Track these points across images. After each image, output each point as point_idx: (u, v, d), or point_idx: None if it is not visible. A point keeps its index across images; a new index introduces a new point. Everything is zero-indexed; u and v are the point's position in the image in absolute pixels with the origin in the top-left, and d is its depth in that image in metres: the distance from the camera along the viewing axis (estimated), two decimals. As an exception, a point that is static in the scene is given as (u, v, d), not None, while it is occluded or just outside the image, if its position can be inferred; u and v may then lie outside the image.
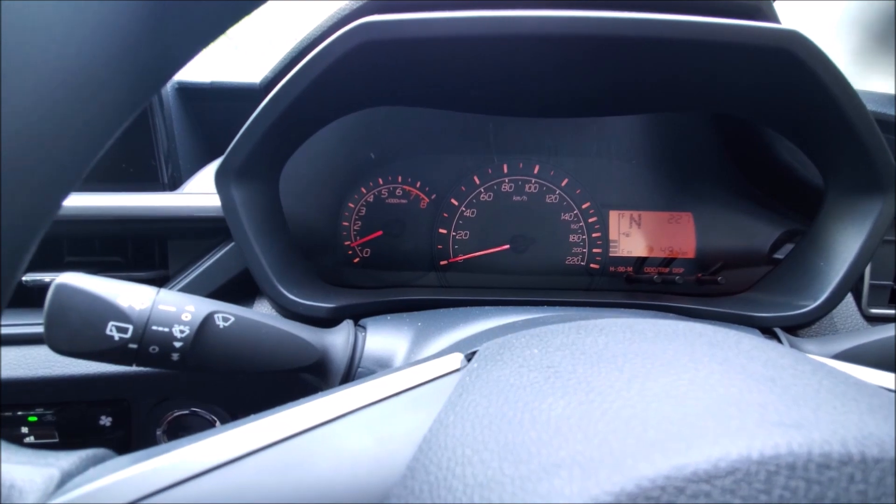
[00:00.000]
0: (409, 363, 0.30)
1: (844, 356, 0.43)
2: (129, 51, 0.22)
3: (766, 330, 0.51)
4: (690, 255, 0.71)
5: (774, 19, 0.56)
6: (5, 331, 0.56)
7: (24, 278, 0.57)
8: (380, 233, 0.72)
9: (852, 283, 0.51)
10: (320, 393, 0.27)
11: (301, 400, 0.26)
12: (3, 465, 0.22)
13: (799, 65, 0.45)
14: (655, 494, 0.14)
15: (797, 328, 0.53)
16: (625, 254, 0.72)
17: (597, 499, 0.14)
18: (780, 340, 0.48)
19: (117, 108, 0.23)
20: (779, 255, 0.68)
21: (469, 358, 0.29)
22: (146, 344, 0.35)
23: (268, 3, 0.27)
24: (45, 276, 0.57)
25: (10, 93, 0.18)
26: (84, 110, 0.21)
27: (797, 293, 0.54)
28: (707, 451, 0.14)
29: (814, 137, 0.53)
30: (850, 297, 0.62)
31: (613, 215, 0.72)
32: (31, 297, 0.58)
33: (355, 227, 0.72)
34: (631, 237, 0.72)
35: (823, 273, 0.52)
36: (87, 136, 0.22)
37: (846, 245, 0.52)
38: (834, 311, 0.54)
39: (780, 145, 0.64)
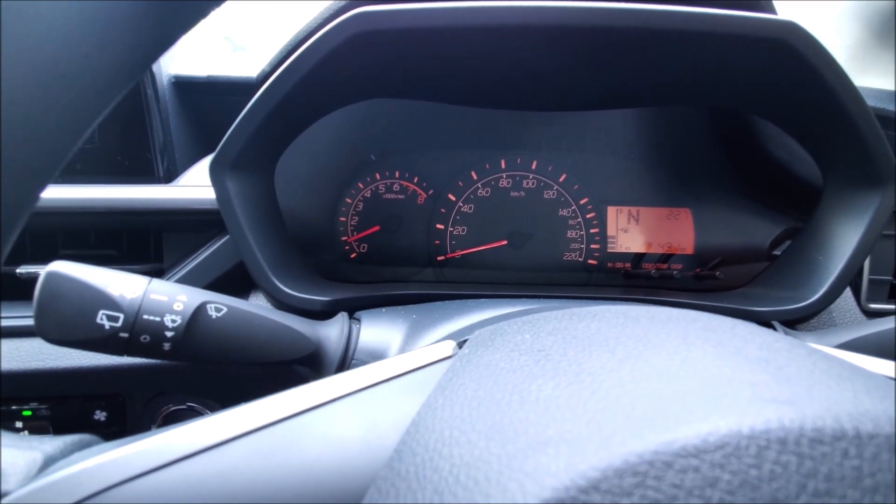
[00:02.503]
0: (402, 353, 0.30)
1: (843, 348, 0.43)
2: (105, 39, 0.21)
3: (765, 324, 0.50)
4: (689, 251, 0.70)
5: (771, 11, 0.56)
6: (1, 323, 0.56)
7: (18, 270, 0.56)
8: (377, 228, 0.72)
9: (851, 277, 0.51)
10: (310, 382, 0.26)
11: (293, 387, 0.26)
12: (-14, 448, 0.22)
13: (796, 56, 0.45)
14: (643, 469, 0.13)
15: (796, 322, 0.53)
16: (623, 250, 0.71)
17: (584, 474, 0.14)
18: None
19: (94, 97, 0.22)
20: (778, 252, 0.68)
21: (461, 345, 0.29)
22: (137, 333, 0.35)
23: None
24: (40, 269, 0.56)
25: None
26: (61, 98, 0.21)
27: (795, 287, 0.53)
28: (696, 427, 0.14)
29: (812, 130, 0.52)
30: (848, 292, 0.61)
31: (612, 211, 0.72)
32: (25, 290, 0.58)
33: (352, 223, 0.72)
34: (629, 233, 0.72)
35: (822, 267, 0.52)
36: (64, 125, 0.22)
37: (845, 239, 0.51)
38: (833, 305, 0.53)
39: (778, 142, 0.64)
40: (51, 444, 0.23)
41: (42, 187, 0.22)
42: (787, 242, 0.69)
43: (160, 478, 0.21)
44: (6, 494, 0.21)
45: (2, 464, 0.21)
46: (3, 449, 0.22)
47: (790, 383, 0.16)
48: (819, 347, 0.25)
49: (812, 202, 0.57)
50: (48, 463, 0.22)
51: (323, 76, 0.47)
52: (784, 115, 0.54)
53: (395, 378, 0.26)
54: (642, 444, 0.14)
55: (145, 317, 0.35)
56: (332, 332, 0.44)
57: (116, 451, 0.21)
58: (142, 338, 0.36)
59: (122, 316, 0.35)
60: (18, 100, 0.19)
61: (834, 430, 0.14)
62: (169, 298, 0.36)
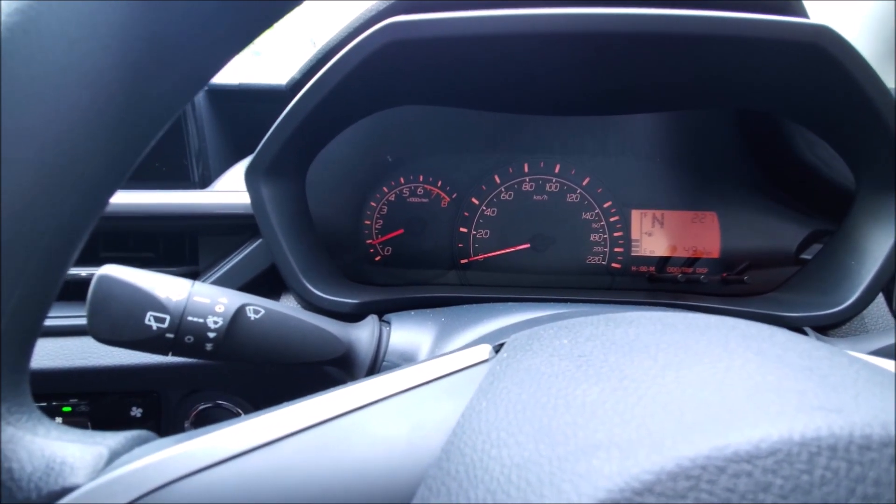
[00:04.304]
0: (437, 355, 0.31)
1: (877, 354, 0.42)
2: (168, 60, 0.23)
3: (796, 330, 0.50)
4: (715, 255, 0.70)
5: (803, 14, 0.55)
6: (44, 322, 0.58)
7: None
8: (401, 231, 0.73)
9: (884, 283, 0.50)
10: (352, 382, 0.27)
11: (335, 388, 0.27)
12: (55, 443, 0.23)
13: (829, 60, 0.44)
14: (696, 474, 0.14)
15: (827, 328, 0.52)
16: (647, 253, 0.71)
17: (637, 477, 0.14)
18: None
19: (156, 113, 0.24)
20: (806, 256, 0.67)
21: (497, 349, 0.30)
22: (182, 334, 0.37)
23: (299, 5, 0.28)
24: (82, 271, 0.59)
25: (67, 105, 0.20)
26: (128, 116, 0.22)
27: (827, 293, 0.53)
28: (748, 433, 0.15)
29: (844, 133, 0.52)
30: (880, 297, 0.60)
31: (636, 214, 0.72)
32: (67, 291, 0.60)
33: (377, 226, 0.73)
34: (653, 237, 0.72)
35: (854, 272, 0.51)
36: (129, 140, 0.23)
37: (878, 243, 0.51)
38: (864, 311, 0.52)
39: (806, 144, 0.63)
40: (114, 439, 0.24)
41: (109, 195, 0.24)
42: (814, 246, 0.68)
43: (218, 473, 0.22)
44: (76, 487, 0.22)
45: (71, 458, 0.23)
46: (71, 444, 0.23)
47: (836, 391, 0.17)
48: (858, 355, 0.25)
49: (841, 204, 0.57)
50: (113, 457, 0.23)
51: (355, 84, 0.48)
52: (815, 119, 0.54)
53: (435, 380, 0.26)
54: (694, 449, 0.14)
55: (189, 318, 0.37)
56: (363, 334, 0.45)
57: (177, 448, 0.22)
58: (186, 338, 0.37)
59: (168, 318, 0.36)
60: (92, 117, 0.21)
61: (882, 437, 0.14)
62: (211, 300, 0.38)
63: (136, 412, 0.62)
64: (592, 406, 0.18)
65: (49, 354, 0.57)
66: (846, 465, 0.14)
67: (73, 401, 0.62)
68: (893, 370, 0.21)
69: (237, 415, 0.64)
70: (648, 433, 0.16)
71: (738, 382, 0.18)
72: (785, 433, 0.14)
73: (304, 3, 0.28)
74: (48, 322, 0.59)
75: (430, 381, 0.26)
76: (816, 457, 0.14)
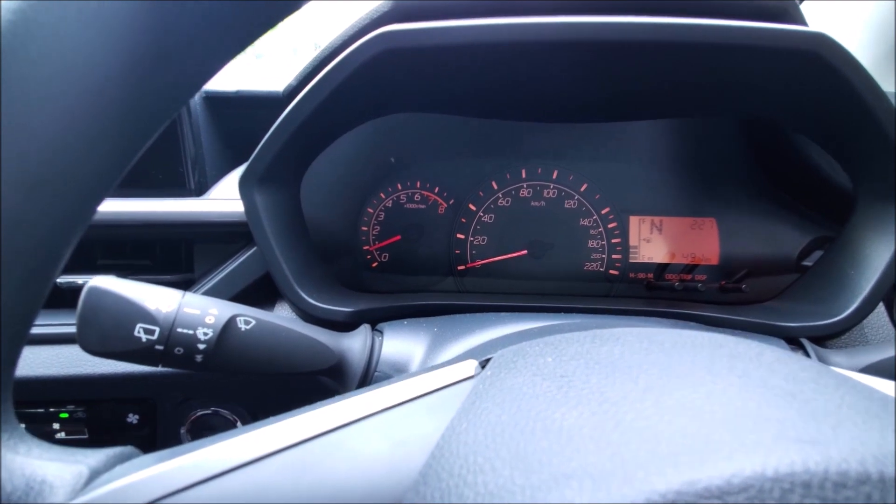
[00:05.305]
0: (424, 369, 0.30)
1: (874, 369, 0.42)
2: (159, 64, 0.23)
3: (793, 340, 0.49)
4: (714, 261, 0.69)
5: (801, 21, 0.55)
6: (40, 330, 0.58)
7: (57, 280, 0.59)
8: (398, 237, 0.73)
9: (884, 293, 0.50)
10: (337, 397, 0.27)
11: (318, 403, 0.26)
12: (36, 462, 0.23)
13: (827, 68, 0.44)
14: None
15: (826, 339, 0.52)
16: (645, 260, 0.71)
17: None
18: (807, 351, 0.47)
19: (149, 118, 0.24)
20: (807, 263, 0.66)
21: (483, 365, 0.29)
22: (171, 345, 0.37)
23: (296, 12, 0.27)
24: (78, 279, 0.59)
25: (59, 110, 0.20)
26: (118, 120, 0.22)
27: (826, 302, 0.52)
28: (720, 467, 0.14)
29: (843, 141, 0.51)
30: (881, 307, 0.60)
31: (634, 221, 0.71)
32: (64, 299, 0.60)
33: (374, 232, 0.73)
34: (652, 243, 0.71)
35: (854, 282, 0.51)
36: (120, 145, 0.23)
37: (877, 253, 0.50)
38: (864, 321, 0.52)
39: (809, 148, 0.63)
40: (94, 457, 0.24)
41: (96, 205, 0.24)
42: (816, 253, 0.67)
43: (197, 494, 0.22)
44: None
45: (51, 477, 0.23)
46: (51, 463, 0.23)
47: (816, 420, 0.16)
48: (849, 374, 0.24)
49: (845, 210, 0.56)
50: (93, 476, 0.23)
51: (350, 92, 0.48)
52: (814, 127, 0.53)
53: (419, 398, 0.26)
54: (665, 484, 0.14)
55: (179, 330, 0.37)
56: (355, 344, 0.45)
57: (157, 467, 0.22)
58: (175, 350, 0.37)
59: (157, 329, 0.36)
60: (84, 122, 0.21)
61: (858, 474, 0.14)
62: (201, 312, 0.38)
63: (133, 419, 0.62)
64: (569, 431, 0.18)
65: (45, 362, 0.57)
66: (820, 503, 0.13)
67: (70, 407, 0.62)
68: (884, 392, 0.21)
69: (233, 422, 0.64)
70: (622, 463, 0.16)
71: (716, 409, 0.17)
72: (758, 468, 0.14)
73: (305, 5, 0.27)
74: (44, 330, 0.59)
75: (414, 399, 0.26)
76: (789, 494, 0.13)
